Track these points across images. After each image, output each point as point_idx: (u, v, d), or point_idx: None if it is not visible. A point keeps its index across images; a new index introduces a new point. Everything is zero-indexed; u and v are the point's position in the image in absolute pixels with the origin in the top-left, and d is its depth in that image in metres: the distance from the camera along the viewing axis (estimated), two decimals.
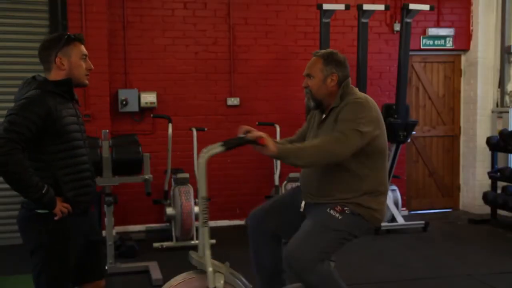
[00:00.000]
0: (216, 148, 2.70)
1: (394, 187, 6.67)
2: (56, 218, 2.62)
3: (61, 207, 2.63)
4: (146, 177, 5.29)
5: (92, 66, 2.83)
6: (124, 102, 6.38)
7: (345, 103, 2.90)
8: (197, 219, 5.98)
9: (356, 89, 3.04)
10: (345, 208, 2.89)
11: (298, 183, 3.27)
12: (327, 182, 2.91)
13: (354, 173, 2.89)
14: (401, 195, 6.82)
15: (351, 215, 2.89)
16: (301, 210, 3.09)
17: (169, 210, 5.82)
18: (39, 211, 2.62)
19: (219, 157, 6.76)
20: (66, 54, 2.73)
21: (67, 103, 2.74)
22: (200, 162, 2.67)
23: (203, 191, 2.75)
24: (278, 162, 6.31)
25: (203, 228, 2.76)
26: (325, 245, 2.86)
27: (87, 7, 6.04)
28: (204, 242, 2.78)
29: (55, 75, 2.74)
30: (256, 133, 2.72)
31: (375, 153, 2.91)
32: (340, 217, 2.88)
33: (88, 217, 2.88)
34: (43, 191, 2.53)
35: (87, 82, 2.82)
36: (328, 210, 2.90)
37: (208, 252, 2.76)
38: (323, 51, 3.06)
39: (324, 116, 3.04)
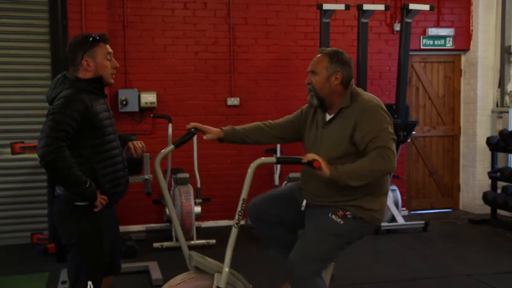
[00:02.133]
0: (270, 159, 2.81)
1: (394, 187, 6.67)
2: (96, 209, 2.77)
3: (100, 199, 2.78)
4: (146, 177, 5.29)
5: (117, 64, 2.96)
6: (124, 102, 6.38)
7: (361, 108, 2.89)
8: (197, 219, 5.99)
9: (361, 89, 3.05)
10: (347, 213, 2.90)
11: (299, 181, 3.27)
12: (328, 183, 2.90)
13: None
14: (401, 195, 6.82)
15: (352, 220, 2.90)
16: (302, 208, 3.09)
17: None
18: (78, 203, 2.77)
19: (219, 157, 6.80)
20: (91, 55, 2.83)
21: (99, 99, 2.88)
22: (249, 170, 2.78)
23: (245, 194, 2.83)
24: None
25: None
26: (326, 252, 2.91)
27: (87, 7, 6.04)
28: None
29: (83, 75, 2.86)
30: (311, 155, 2.76)
31: None
32: (341, 222, 2.90)
33: (115, 209, 3.05)
34: (87, 185, 2.69)
35: (112, 81, 2.96)
36: (330, 215, 2.91)
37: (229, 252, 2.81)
38: (329, 49, 3.05)
39: (329, 116, 3.03)
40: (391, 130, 2.90)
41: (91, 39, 2.83)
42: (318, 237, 2.90)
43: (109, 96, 6.29)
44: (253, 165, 2.75)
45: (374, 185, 2.92)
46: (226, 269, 2.79)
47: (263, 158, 2.81)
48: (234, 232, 2.79)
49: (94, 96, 2.84)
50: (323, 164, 2.73)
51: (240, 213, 2.79)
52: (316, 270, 2.90)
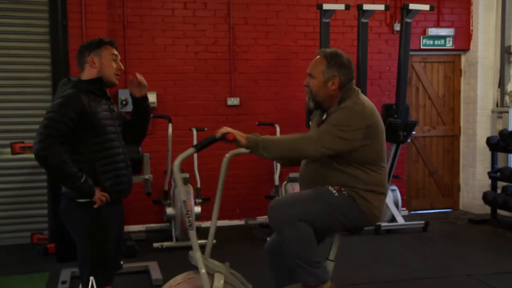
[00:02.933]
0: (188, 151, 2.75)
1: (394, 187, 6.67)
2: (95, 206, 2.85)
3: (99, 196, 2.86)
4: (146, 177, 5.30)
5: (122, 66, 3.08)
6: (124, 102, 6.38)
7: (339, 107, 2.87)
8: (197, 219, 5.99)
9: (358, 92, 2.97)
10: (343, 189, 2.87)
11: (298, 183, 3.26)
12: (325, 181, 2.89)
13: (350, 174, 2.87)
14: (401, 195, 6.82)
15: (347, 197, 2.85)
16: None
17: (169, 210, 5.82)
18: (80, 200, 2.86)
19: (219, 157, 6.78)
20: (97, 54, 2.96)
21: (100, 100, 2.96)
22: (175, 164, 2.70)
23: (182, 194, 2.90)
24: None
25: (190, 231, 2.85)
26: (312, 210, 2.81)
27: (87, 7, 6.04)
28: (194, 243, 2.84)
29: (88, 73, 2.97)
30: (222, 129, 2.74)
31: (368, 160, 2.87)
32: (336, 194, 2.85)
33: (121, 208, 3.12)
34: (82, 181, 2.77)
35: (116, 81, 3.05)
36: (327, 186, 2.89)
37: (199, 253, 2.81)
38: (328, 50, 2.99)
39: (324, 117, 3.03)
40: (348, 135, 2.75)
41: (97, 40, 2.99)
42: (307, 193, 2.89)
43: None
44: (176, 163, 2.69)
45: (369, 185, 2.88)
46: (197, 253, 2.80)
47: (182, 153, 2.71)
48: (191, 234, 2.84)
49: (95, 97, 2.93)
50: (238, 135, 2.71)
51: (188, 215, 2.85)
52: (297, 217, 2.77)
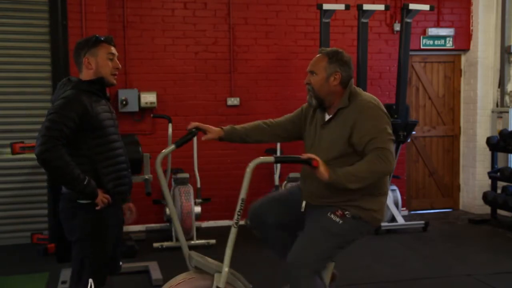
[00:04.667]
0: (268, 159, 2.80)
1: (394, 187, 6.67)
2: (97, 208, 2.83)
3: (102, 198, 2.83)
4: (146, 177, 5.30)
5: (119, 65, 3.01)
6: (124, 102, 6.38)
7: (359, 109, 2.88)
8: (197, 219, 5.99)
9: (361, 89, 3.03)
10: (346, 213, 2.89)
11: (298, 183, 3.27)
12: (327, 183, 2.90)
13: None
14: (401, 195, 6.82)
15: (351, 219, 2.90)
16: (302, 210, 3.09)
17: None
18: (81, 201, 2.83)
19: (219, 157, 6.80)
20: (93, 54, 2.91)
21: (101, 101, 2.94)
22: (247, 169, 2.77)
23: (243, 193, 2.82)
24: None
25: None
26: (326, 251, 2.91)
27: (87, 7, 6.04)
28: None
29: (85, 74, 2.93)
30: (310, 154, 2.77)
31: None
32: (340, 221, 2.89)
33: (121, 210, 3.11)
34: (85, 183, 2.75)
35: (114, 81, 3.00)
36: (329, 214, 2.90)
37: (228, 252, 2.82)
38: (329, 49, 3.04)
39: (328, 116, 3.02)
40: (390, 130, 2.89)
41: (94, 39, 2.92)
42: (316, 237, 2.90)
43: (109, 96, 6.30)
44: (251, 165, 2.75)
45: (373, 186, 2.90)
46: (226, 269, 2.79)
47: (261, 157, 2.80)
48: (233, 232, 2.80)
49: (95, 97, 2.90)
50: (322, 165, 2.74)
51: (239, 213, 2.80)
52: (314, 270, 2.88)
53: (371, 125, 2.84)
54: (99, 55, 2.91)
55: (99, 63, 2.91)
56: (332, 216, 2.89)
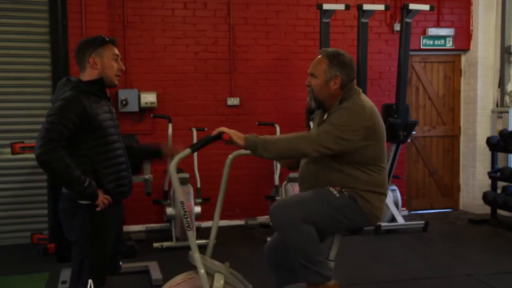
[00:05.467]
0: (185, 152, 2.74)
1: (394, 187, 6.67)
2: (98, 209, 2.83)
3: (102, 199, 2.84)
4: (146, 177, 5.29)
5: (123, 67, 3.02)
6: (124, 102, 6.38)
7: (340, 107, 2.87)
8: (197, 219, 5.99)
9: (359, 92, 2.97)
10: (344, 190, 2.87)
11: (298, 184, 3.26)
12: (325, 181, 2.90)
13: (350, 175, 2.87)
14: (401, 195, 6.82)
15: (348, 198, 2.86)
16: None
17: (169, 210, 5.82)
18: (82, 202, 2.83)
19: (219, 157, 6.79)
20: (99, 54, 2.90)
21: (101, 101, 2.92)
22: (171, 166, 2.72)
23: (179, 195, 2.84)
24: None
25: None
26: (314, 211, 2.80)
27: (87, 7, 6.04)
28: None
29: (89, 75, 2.91)
30: (218, 129, 2.75)
31: (368, 161, 2.87)
32: (338, 195, 2.85)
33: (121, 209, 3.10)
34: (85, 184, 2.75)
35: (117, 82, 3.01)
36: (328, 187, 2.88)
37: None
38: (330, 50, 3.00)
39: (325, 117, 3.03)
40: (348, 136, 2.76)
41: (100, 39, 2.91)
42: (308, 194, 2.88)
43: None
44: (172, 165, 2.70)
45: (369, 185, 2.88)
46: (196, 254, 2.78)
47: (178, 154, 2.73)
48: (190, 235, 2.81)
49: (95, 98, 2.88)
50: (235, 136, 2.72)
51: (185, 216, 2.80)
52: (299, 219, 2.76)
53: (334, 117, 2.83)
54: (105, 55, 2.90)
55: (105, 64, 2.90)
56: (331, 188, 2.87)
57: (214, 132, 2.75)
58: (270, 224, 2.97)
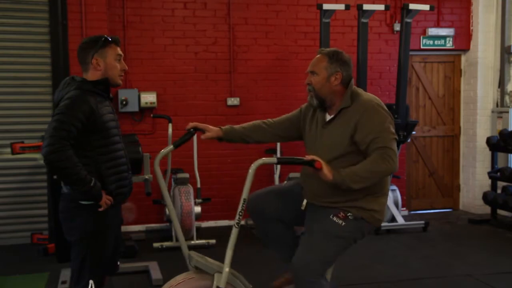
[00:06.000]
0: (271, 160, 2.82)
1: (394, 187, 6.67)
2: (100, 209, 2.82)
3: (105, 200, 2.83)
4: (146, 177, 5.29)
5: (126, 66, 3.01)
6: (124, 102, 6.38)
7: (363, 108, 2.88)
8: (197, 219, 5.99)
9: (361, 89, 3.04)
10: (348, 214, 2.90)
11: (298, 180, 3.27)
12: (328, 183, 2.90)
13: None
14: (401, 195, 6.82)
15: (354, 221, 2.90)
16: (302, 208, 3.08)
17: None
18: (83, 202, 2.82)
19: (219, 157, 6.80)
20: (102, 55, 2.88)
21: (105, 101, 2.93)
22: (250, 171, 2.79)
23: (245, 194, 2.85)
24: None
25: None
26: (330, 254, 2.91)
27: (87, 7, 6.04)
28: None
29: (92, 75, 2.90)
30: (313, 156, 2.77)
31: None
32: (343, 223, 2.89)
33: (120, 210, 3.09)
34: (91, 184, 2.74)
35: (120, 82, 3.00)
36: (331, 217, 2.91)
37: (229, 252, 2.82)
38: (328, 49, 3.04)
39: (329, 116, 3.02)
40: (393, 129, 2.90)
41: (103, 39, 2.89)
42: (320, 241, 2.90)
43: None
44: (253, 166, 2.76)
45: (374, 186, 2.90)
46: (226, 269, 2.79)
47: (264, 158, 2.81)
48: (234, 232, 2.80)
49: (99, 98, 2.88)
50: (325, 167, 2.74)
51: (240, 213, 2.79)
52: (320, 273, 2.90)
53: (374, 124, 2.85)
54: (108, 56, 2.88)
55: (108, 65, 2.89)
56: (335, 218, 2.90)
57: (308, 158, 2.76)
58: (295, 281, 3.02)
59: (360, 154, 2.87)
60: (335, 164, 2.85)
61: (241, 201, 2.79)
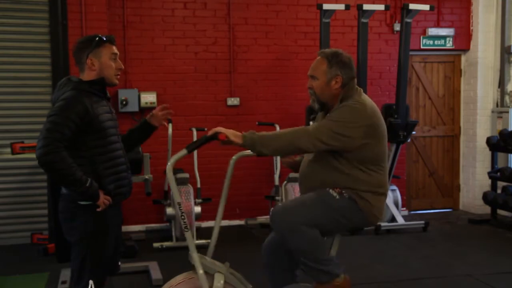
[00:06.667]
0: (181, 152, 2.74)
1: (394, 187, 6.67)
2: (98, 209, 2.82)
3: (103, 200, 2.82)
4: (146, 177, 5.30)
5: (122, 65, 3.00)
6: (124, 102, 6.38)
7: (340, 105, 2.88)
8: (197, 219, 5.99)
9: (361, 92, 2.97)
10: (343, 191, 2.88)
11: (298, 183, 3.27)
12: (325, 180, 2.90)
13: (350, 175, 2.87)
14: (401, 195, 6.82)
15: (348, 200, 2.87)
16: None
17: (169, 210, 5.82)
18: (82, 202, 2.82)
19: (219, 157, 6.79)
20: (96, 55, 2.87)
21: (101, 101, 2.91)
22: (168, 166, 2.75)
23: (177, 197, 2.85)
24: (278, 162, 6.32)
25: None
26: (315, 215, 2.83)
27: (87, 7, 6.04)
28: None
29: (88, 75, 2.89)
30: (214, 129, 2.76)
31: (368, 161, 2.87)
32: (338, 197, 2.86)
33: (120, 210, 3.09)
34: (87, 185, 2.73)
35: (117, 81, 2.99)
36: (327, 189, 2.89)
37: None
38: (328, 50, 3.00)
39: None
40: (347, 132, 2.77)
41: (97, 39, 2.88)
42: (309, 198, 2.88)
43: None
44: (168, 167, 2.73)
45: (369, 185, 2.88)
46: (194, 254, 2.81)
47: (176, 154, 2.75)
48: (188, 235, 2.82)
49: (96, 98, 2.87)
50: (232, 135, 2.73)
51: (182, 217, 2.81)
52: (301, 223, 2.79)
53: (334, 114, 2.85)
54: (102, 56, 2.87)
55: (103, 64, 2.88)
56: (331, 191, 2.88)
57: (210, 132, 2.75)
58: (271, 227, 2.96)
59: (350, 151, 2.83)
60: (328, 164, 2.87)
61: (177, 205, 2.80)
